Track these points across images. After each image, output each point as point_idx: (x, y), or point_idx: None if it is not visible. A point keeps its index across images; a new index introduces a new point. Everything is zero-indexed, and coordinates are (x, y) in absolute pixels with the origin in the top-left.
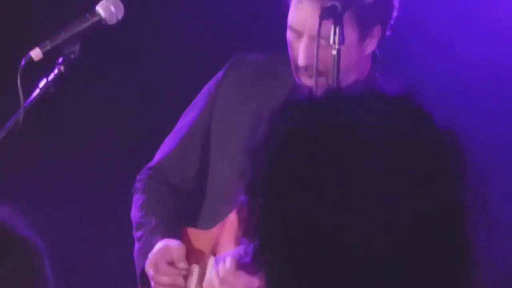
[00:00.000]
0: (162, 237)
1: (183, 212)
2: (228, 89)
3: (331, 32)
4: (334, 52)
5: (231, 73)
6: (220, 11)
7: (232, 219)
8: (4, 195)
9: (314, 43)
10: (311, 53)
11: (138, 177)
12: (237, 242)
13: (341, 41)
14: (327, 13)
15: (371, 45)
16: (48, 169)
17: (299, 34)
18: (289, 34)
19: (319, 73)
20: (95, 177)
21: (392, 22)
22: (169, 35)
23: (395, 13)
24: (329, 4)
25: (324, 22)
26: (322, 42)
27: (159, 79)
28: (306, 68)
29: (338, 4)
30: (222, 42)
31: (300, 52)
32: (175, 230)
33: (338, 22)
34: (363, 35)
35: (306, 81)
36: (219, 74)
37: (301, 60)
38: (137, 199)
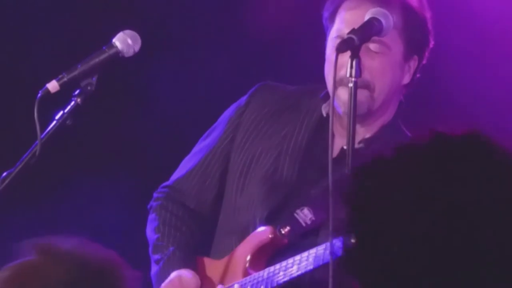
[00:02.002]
0: (179, 267)
1: (199, 237)
2: (251, 118)
3: (348, 64)
4: (351, 84)
5: (255, 101)
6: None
7: (240, 251)
8: (23, 227)
9: (364, 49)
10: (364, 58)
11: (155, 194)
12: (245, 273)
13: (357, 74)
14: (344, 46)
15: (407, 76)
16: (65, 200)
17: None
18: (331, 49)
19: (363, 85)
20: (112, 206)
21: (427, 55)
22: (186, 67)
23: (430, 46)
24: (373, 19)
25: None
26: (374, 48)
27: (175, 110)
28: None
29: (355, 38)
30: (243, 73)
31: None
32: (191, 259)
33: (355, 55)
34: (407, 54)
35: (346, 95)
36: (242, 100)
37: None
38: (153, 219)
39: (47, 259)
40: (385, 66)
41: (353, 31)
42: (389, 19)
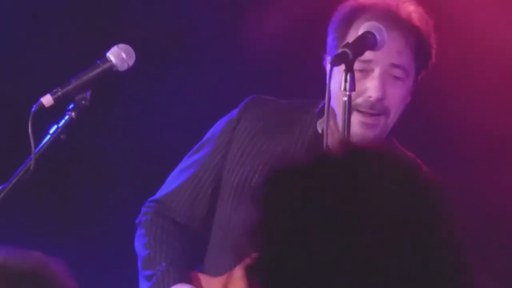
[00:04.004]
0: (174, 283)
1: (190, 253)
2: (245, 134)
3: (342, 78)
4: (345, 98)
5: (247, 116)
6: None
7: (237, 274)
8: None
9: (387, 75)
10: (386, 84)
11: (143, 209)
12: None
13: (351, 88)
14: (338, 60)
15: (410, 96)
16: (59, 215)
17: (369, 67)
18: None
19: (383, 111)
20: (107, 222)
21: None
22: (181, 81)
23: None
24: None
25: (403, 50)
26: (396, 73)
27: (170, 124)
28: (378, 101)
29: (349, 52)
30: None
31: (376, 83)
32: (185, 275)
33: (349, 68)
34: (416, 75)
35: (367, 119)
36: (233, 113)
37: (377, 93)
38: (143, 234)
39: None
40: (403, 92)
41: (347, 45)
42: (383, 33)
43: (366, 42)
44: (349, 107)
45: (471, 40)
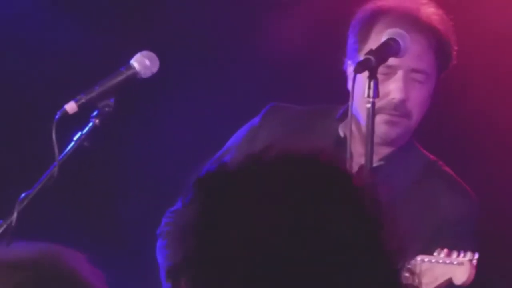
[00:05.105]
0: None
1: None
2: (265, 141)
3: (365, 85)
4: (368, 105)
5: (268, 123)
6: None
7: None
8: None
9: (409, 78)
10: (408, 87)
11: (164, 219)
12: None
13: (375, 95)
14: (362, 67)
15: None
16: (83, 222)
17: (392, 70)
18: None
19: (405, 114)
20: (129, 228)
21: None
22: (203, 89)
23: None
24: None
25: (425, 52)
26: (418, 77)
27: (192, 132)
28: (401, 102)
29: (372, 58)
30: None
31: (399, 85)
32: None
33: (373, 75)
34: (437, 78)
35: (392, 118)
36: (255, 121)
37: (400, 94)
38: (164, 245)
39: None
40: (425, 96)
41: (370, 51)
42: (406, 40)
43: (390, 49)
44: (373, 114)
45: (492, 40)
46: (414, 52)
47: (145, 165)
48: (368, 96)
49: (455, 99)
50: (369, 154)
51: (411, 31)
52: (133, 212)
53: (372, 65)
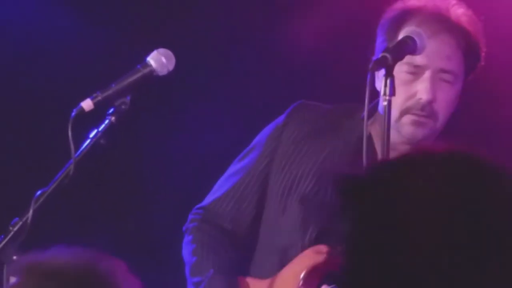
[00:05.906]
0: None
1: (236, 258)
2: (291, 139)
3: (382, 83)
4: (385, 103)
5: (293, 121)
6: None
7: (291, 270)
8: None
9: (437, 79)
10: (435, 88)
11: (191, 216)
12: None
13: (391, 93)
14: (378, 65)
15: (458, 99)
16: (99, 220)
17: (419, 70)
18: (404, 73)
19: (431, 115)
20: (147, 227)
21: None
22: (225, 87)
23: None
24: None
25: (453, 53)
26: (446, 77)
27: (214, 130)
28: (428, 103)
29: (389, 56)
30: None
31: (426, 85)
32: (233, 280)
33: (389, 73)
34: (465, 79)
35: (420, 118)
36: (280, 120)
37: (427, 95)
38: (190, 241)
39: (35, 279)
40: (452, 97)
41: (387, 49)
42: (422, 38)
43: (406, 47)
44: (389, 112)
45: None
46: (443, 52)
47: (161, 163)
48: (385, 94)
49: (482, 100)
50: (386, 152)
51: (440, 31)
52: (148, 210)
53: (388, 63)
